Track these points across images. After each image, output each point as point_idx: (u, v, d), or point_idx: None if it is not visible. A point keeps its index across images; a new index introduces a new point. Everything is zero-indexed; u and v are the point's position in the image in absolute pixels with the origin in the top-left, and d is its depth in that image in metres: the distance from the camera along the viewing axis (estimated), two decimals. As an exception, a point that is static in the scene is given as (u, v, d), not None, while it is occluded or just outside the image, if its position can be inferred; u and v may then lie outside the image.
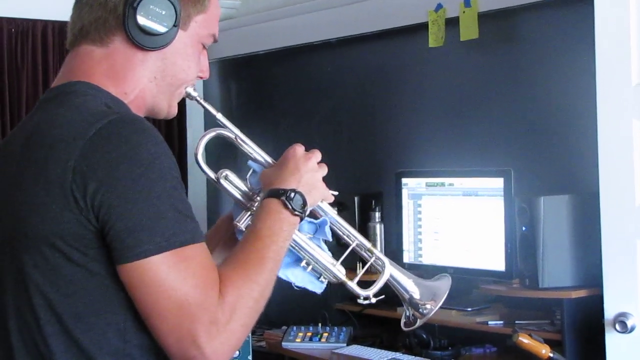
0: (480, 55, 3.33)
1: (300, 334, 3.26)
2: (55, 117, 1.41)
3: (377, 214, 3.36)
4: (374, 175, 3.72)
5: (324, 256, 1.67)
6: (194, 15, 1.53)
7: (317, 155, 1.62)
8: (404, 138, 3.63)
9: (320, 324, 3.31)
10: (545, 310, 2.82)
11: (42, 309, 1.37)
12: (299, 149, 1.62)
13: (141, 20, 1.46)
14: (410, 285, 1.75)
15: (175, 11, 1.48)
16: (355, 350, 3.07)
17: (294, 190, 1.53)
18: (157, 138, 1.37)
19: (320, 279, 1.69)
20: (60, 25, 3.97)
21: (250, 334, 2.93)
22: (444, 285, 1.77)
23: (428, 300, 1.74)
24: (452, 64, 3.43)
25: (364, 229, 3.34)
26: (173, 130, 4.28)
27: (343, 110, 3.92)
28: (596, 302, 2.55)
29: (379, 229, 3.33)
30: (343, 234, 1.73)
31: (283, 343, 3.23)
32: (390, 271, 1.72)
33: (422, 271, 3.13)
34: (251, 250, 1.45)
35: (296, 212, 1.52)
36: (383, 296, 1.70)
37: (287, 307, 2.68)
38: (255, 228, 1.49)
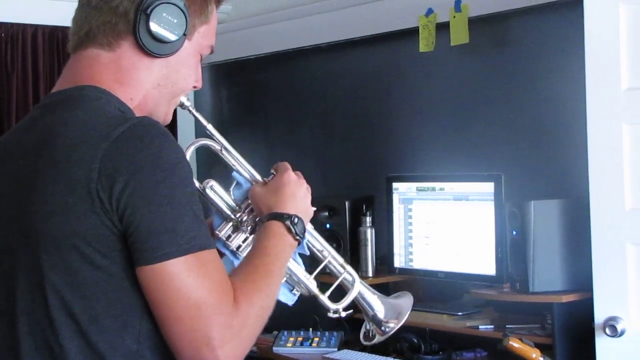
0: (470, 60, 3.34)
1: (291, 339, 3.26)
2: (72, 119, 1.41)
3: (368, 219, 3.35)
4: (365, 180, 3.71)
5: (298, 269, 1.72)
6: (198, 26, 1.55)
7: (302, 177, 1.68)
8: (394, 143, 3.64)
9: (311, 329, 3.31)
10: (536, 314, 2.82)
11: (58, 310, 1.37)
12: (292, 174, 1.66)
13: (153, 27, 1.46)
14: (376, 303, 1.81)
15: (186, 20, 1.49)
16: (346, 355, 3.07)
17: (297, 216, 1.59)
18: (175, 143, 1.39)
19: (293, 291, 1.74)
20: (50, 30, 3.96)
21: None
22: (406, 304, 1.84)
23: (391, 318, 1.81)
24: (443, 68, 3.43)
25: (355, 234, 3.35)
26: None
27: (334, 115, 3.92)
28: (586, 306, 2.56)
29: (369, 233, 3.33)
30: (316, 248, 1.77)
31: (274, 348, 3.24)
32: (359, 288, 1.78)
33: (413, 276, 3.15)
34: (258, 264, 1.49)
35: (298, 237, 1.58)
36: (352, 311, 1.76)
37: (278, 312, 2.67)
38: (261, 245, 1.54)
